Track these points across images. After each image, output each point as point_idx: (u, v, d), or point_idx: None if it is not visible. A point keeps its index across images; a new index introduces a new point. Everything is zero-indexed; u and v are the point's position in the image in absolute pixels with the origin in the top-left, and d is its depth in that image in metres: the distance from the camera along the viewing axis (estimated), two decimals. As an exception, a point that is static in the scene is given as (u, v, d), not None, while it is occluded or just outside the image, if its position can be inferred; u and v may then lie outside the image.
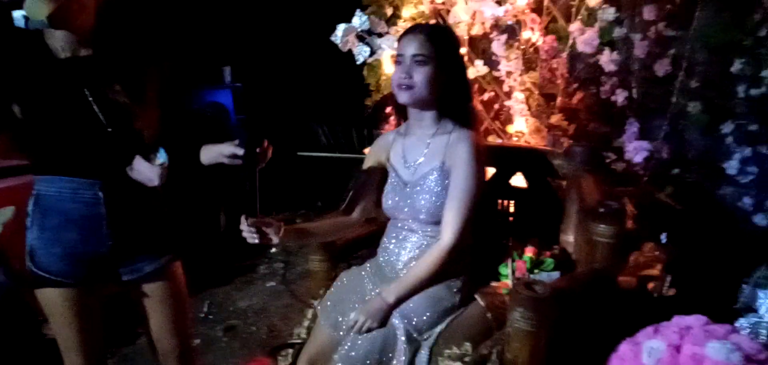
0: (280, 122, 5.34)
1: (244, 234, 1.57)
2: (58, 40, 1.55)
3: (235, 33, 5.10)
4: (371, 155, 1.85)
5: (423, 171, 1.70)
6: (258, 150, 1.59)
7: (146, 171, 1.61)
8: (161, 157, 1.62)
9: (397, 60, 1.69)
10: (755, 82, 1.83)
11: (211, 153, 1.66)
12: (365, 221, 1.85)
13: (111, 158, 1.59)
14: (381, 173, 1.81)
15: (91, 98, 1.55)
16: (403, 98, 1.68)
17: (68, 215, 1.58)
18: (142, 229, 1.68)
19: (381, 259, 1.77)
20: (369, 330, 1.57)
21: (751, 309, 1.88)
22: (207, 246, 3.68)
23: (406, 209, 1.71)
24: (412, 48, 1.65)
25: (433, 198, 1.66)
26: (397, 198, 1.73)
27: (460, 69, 1.74)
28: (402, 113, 1.79)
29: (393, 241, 1.74)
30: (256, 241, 1.57)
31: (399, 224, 1.74)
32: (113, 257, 1.65)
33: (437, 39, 1.67)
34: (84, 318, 1.65)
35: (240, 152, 1.58)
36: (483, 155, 1.68)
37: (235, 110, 5.24)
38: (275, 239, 1.59)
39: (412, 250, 1.70)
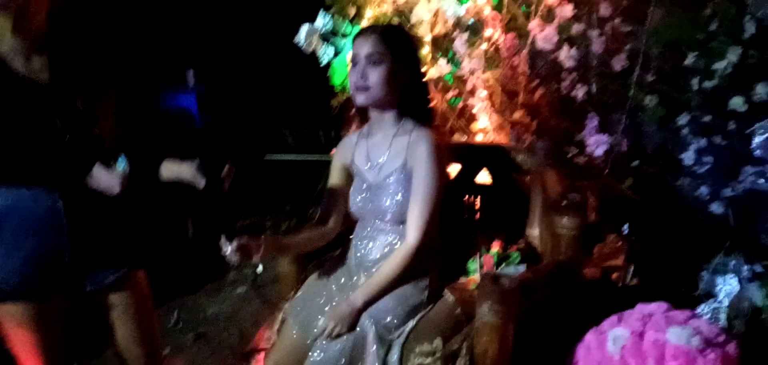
0: (245, 124, 5.29)
1: (226, 255, 1.55)
2: (9, 46, 1.51)
3: (198, 35, 5.04)
4: (336, 160, 1.85)
5: (386, 172, 1.71)
6: (221, 176, 1.56)
7: (106, 179, 1.58)
8: (121, 164, 1.59)
9: (353, 62, 1.69)
10: (708, 75, 1.88)
11: (171, 171, 1.63)
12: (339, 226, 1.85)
13: (70, 166, 1.55)
14: (348, 177, 1.82)
15: (47, 104, 1.51)
16: (359, 99, 1.68)
17: (27, 225, 1.53)
18: (103, 238, 1.65)
19: (351, 259, 1.77)
20: (339, 336, 1.58)
21: (710, 295, 1.94)
22: (175, 253, 3.63)
23: (372, 210, 1.72)
24: (365, 49, 1.65)
25: (397, 198, 1.67)
26: (362, 199, 1.74)
27: (416, 67, 1.75)
28: (363, 115, 1.79)
29: (362, 240, 1.75)
30: (238, 261, 1.55)
31: (367, 224, 1.75)
32: (75, 267, 1.60)
33: (391, 38, 1.68)
34: (45, 333, 1.60)
35: (201, 183, 1.56)
36: (444, 152, 1.70)
37: (200, 113, 5.17)
38: (256, 258, 1.58)
39: (381, 248, 1.71)
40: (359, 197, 1.75)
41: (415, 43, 1.82)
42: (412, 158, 1.66)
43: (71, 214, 1.57)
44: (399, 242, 1.67)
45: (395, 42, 1.69)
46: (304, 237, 1.81)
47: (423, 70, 1.83)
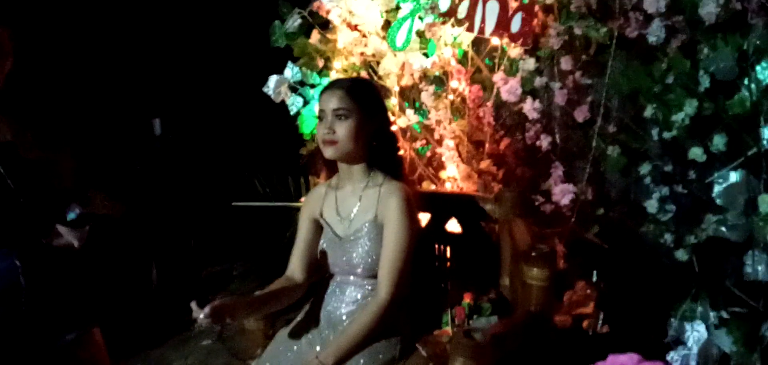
0: (212, 172, 5.24)
1: (199, 321, 1.49)
2: None
3: (165, 84, 5.01)
4: (304, 213, 1.83)
5: (356, 225, 1.69)
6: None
7: (66, 236, 1.55)
8: (76, 219, 1.56)
9: (319, 116, 1.69)
10: (667, 126, 1.95)
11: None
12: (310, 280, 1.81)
13: (26, 229, 1.51)
14: (317, 230, 1.79)
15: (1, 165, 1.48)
16: (328, 153, 1.68)
17: None
18: (61, 298, 1.61)
19: (320, 314, 1.75)
20: None
21: (679, 341, 1.96)
22: (139, 305, 3.53)
23: (342, 264, 1.70)
24: (332, 103, 1.65)
25: (368, 252, 1.65)
26: (332, 253, 1.72)
27: (384, 120, 1.75)
28: (331, 167, 1.78)
29: (331, 295, 1.72)
30: (209, 326, 1.51)
31: (337, 278, 1.73)
32: (31, 328, 1.56)
33: (357, 92, 1.68)
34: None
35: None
36: (414, 206, 1.69)
37: (165, 161, 5.11)
38: (229, 320, 1.53)
39: (351, 304, 1.68)
40: (329, 250, 1.73)
41: (381, 95, 1.81)
42: (383, 212, 1.65)
43: (29, 274, 1.52)
44: (369, 296, 1.65)
45: (362, 96, 1.69)
46: (275, 294, 1.75)
47: (391, 121, 1.84)
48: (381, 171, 1.71)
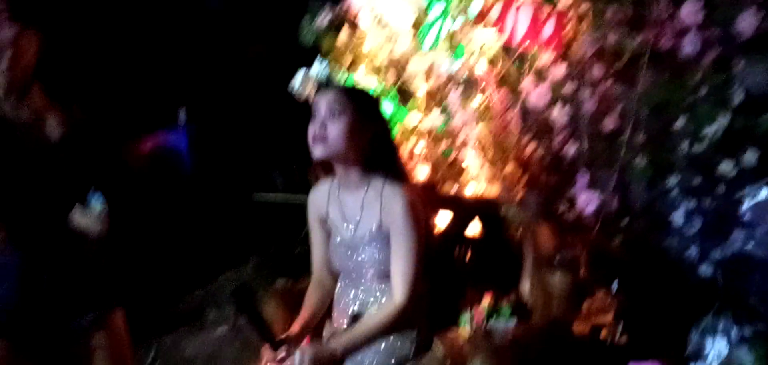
0: (235, 164, 5.29)
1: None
2: None
3: (190, 74, 5.08)
4: (312, 215, 1.81)
5: (362, 231, 1.66)
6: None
7: (86, 221, 1.58)
8: (98, 203, 1.59)
9: (312, 113, 1.64)
10: (697, 140, 1.92)
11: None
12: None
13: (48, 212, 1.55)
14: (327, 230, 1.78)
15: (27, 148, 1.52)
16: (316, 151, 1.62)
17: (5, 267, 1.52)
18: (81, 278, 1.64)
19: (334, 310, 1.75)
20: None
21: (699, 356, 1.94)
22: (152, 292, 3.57)
23: (352, 267, 1.69)
24: (326, 99, 1.61)
25: (378, 257, 1.64)
26: (342, 257, 1.71)
27: (381, 125, 1.70)
28: (326, 170, 1.73)
29: (344, 294, 1.73)
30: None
31: (347, 278, 1.74)
32: (51, 308, 1.59)
33: (353, 94, 1.66)
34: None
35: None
36: (418, 206, 1.65)
37: (190, 151, 5.17)
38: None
39: (365, 304, 1.68)
40: (339, 254, 1.72)
41: (380, 104, 1.77)
42: (388, 217, 1.62)
43: (49, 255, 1.56)
44: (383, 298, 1.64)
45: (358, 98, 1.65)
46: (315, 304, 1.76)
47: (390, 130, 1.78)
48: (380, 173, 1.66)
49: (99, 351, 1.72)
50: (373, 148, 1.64)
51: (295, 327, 1.67)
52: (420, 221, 1.63)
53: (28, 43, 1.55)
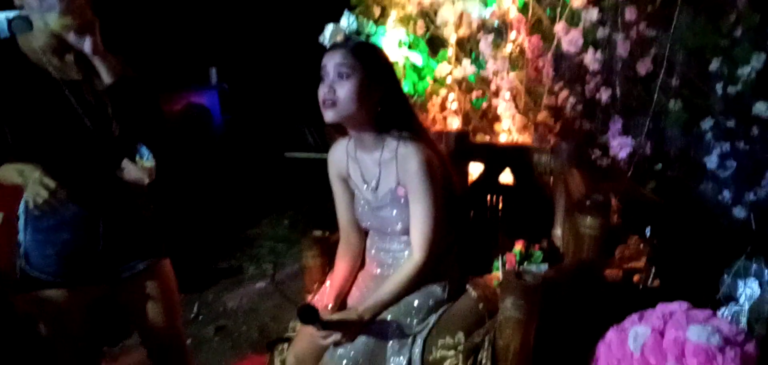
0: (266, 122, 5.35)
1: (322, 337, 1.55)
2: (39, 45, 1.55)
3: (221, 33, 5.11)
4: (333, 175, 1.81)
5: (382, 192, 1.68)
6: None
7: (136, 172, 1.65)
8: (146, 157, 1.65)
9: (321, 76, 1.60)
10: (732, 81, 1.89)
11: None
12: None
13: (100, 162, 1.61)
14: (349, 187, 1.78)
15: (73, 101, 1.56)
16: (327, 116, 1.58)
17: (62, 216, 1.59)
18: (133, 227, 1.71)
19: (366, 257, 1.80)
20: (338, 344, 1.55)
21: (731, 298, 1.94)
22: (194, 247, 3.68)
23: (377, 225, 1.72)
24: (334, 61, 1.57)
25: (399, 216, 1.66)
26: (368, 216, 1.74)
27: (392, 84, 1.67)
28: (340, 132, 1.72)
29: (376, 247, 1.76)
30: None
31: (375, 234, 1.77)
32: (106, 256, 1.67)
33: (362, 53, 1.60)
34: (79, 318, 1.67)
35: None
36: (435, 160, 1.64)
37: (221, 110, 5.25)
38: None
39: (396, 256, 1.71)
40: (364, 214, 1.74)
41: (389, 61, 1.72)
42: (404, 177, 1.62)
43: (105, 204, 1.63)
44: (408, 250, 1.67)
45: (367, 56, 1.61)
46: (348, 266, 1.79)
47: (401, 85, 1.75)
48: (394, 133, 1.65)
49: (151, 298, 1.78)
50: (384, 107, 1.62)
51: (331, 296, 1.72)
52: (436, 178, 1.62)
53: None
